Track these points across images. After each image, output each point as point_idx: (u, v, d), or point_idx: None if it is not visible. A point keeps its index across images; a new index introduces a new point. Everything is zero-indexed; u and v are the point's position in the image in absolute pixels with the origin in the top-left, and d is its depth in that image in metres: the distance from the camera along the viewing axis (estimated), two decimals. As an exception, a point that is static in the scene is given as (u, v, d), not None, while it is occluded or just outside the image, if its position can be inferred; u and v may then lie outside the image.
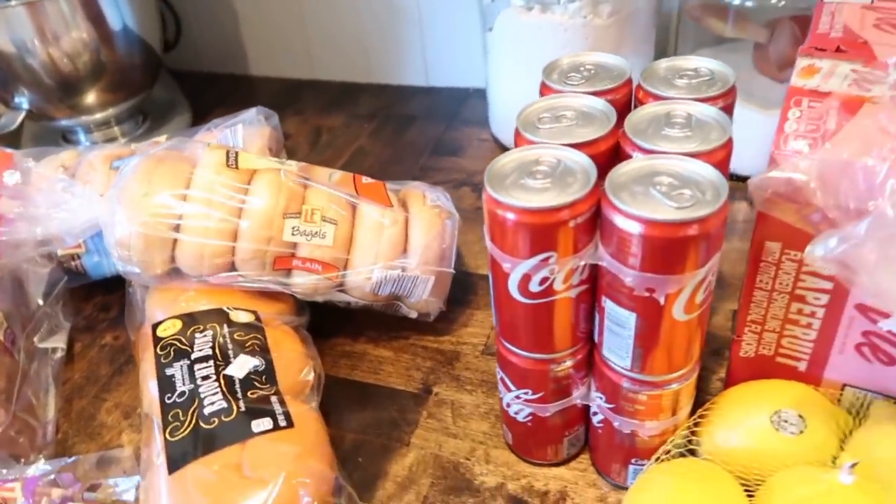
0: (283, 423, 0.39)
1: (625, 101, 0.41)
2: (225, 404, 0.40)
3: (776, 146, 0.35)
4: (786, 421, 0.39)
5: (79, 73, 0.77)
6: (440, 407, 0.50)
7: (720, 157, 0.35)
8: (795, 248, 0.37)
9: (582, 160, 0.34)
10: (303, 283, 0.50)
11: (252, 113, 0.63)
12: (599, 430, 0.42)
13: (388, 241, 0.50)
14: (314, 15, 0.94)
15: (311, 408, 0.43)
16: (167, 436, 0.39)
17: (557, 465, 0.45)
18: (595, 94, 0.40)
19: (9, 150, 0.55)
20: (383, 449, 0.47)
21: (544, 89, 0.42)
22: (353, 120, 0.88)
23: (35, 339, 0.55)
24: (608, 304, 0.35)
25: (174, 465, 0.38)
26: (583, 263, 0.35)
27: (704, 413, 0.41)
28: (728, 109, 0.40)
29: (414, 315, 0.53)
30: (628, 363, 0.37)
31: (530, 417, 0.42)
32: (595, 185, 0.33)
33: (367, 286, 0.50)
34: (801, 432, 0.38)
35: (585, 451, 0.46)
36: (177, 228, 0.48)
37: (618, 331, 0.36)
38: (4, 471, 0.43)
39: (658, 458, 0.39)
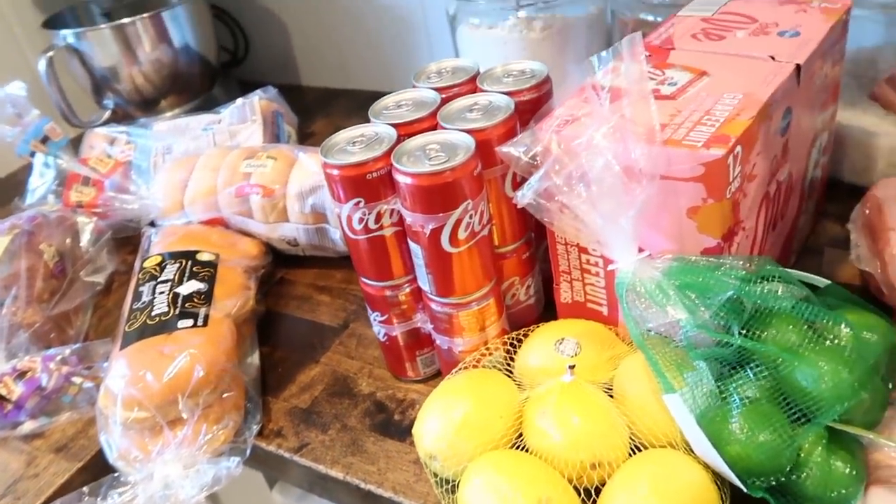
0: (200, 324, 0.55)
1: (469, 94, 0.53)
2: (166, 309, 0.56)
3: (539, 125, 0.46)
4: (565, 346, 0.49)
5: (151, 81, 0.98)
6: (350, 338, 0.63)
7: (500, 132, 0.47)
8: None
9: (390, 133, 0.47)
10: (255, 202, 0.68)
11: (259, 92, 0.89)
12: (435, 350, 0.54)
13: (315, 175, 0.66)
14: (345, 35, 1.11)
15: (228, 319, 0.57)
16: (125, 328, 0.55)
17: (419, 381, 0.57)
18: (441, 89, 0.52)
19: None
20: (298, 364, 0.62)
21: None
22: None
23: (82, 273, 0.75)
24: (409, 240, 0.47)
25: (124, 344, 0.54)
26: (387, 208, 0.47)
27: (520, 340, 0.52)
28: (542, 99, 0.51)
29: (342, 246, 0.68)
30: (428, 287, 0.48)
31: (386, 337, 0.54)
32: (388, 151, 0.45)
33: (297, 205, 0.66)
34: (576, 355, 0.48)
35: (444, 374, 0.57)
36: (185, 186, 0.72)
37: (417, 261, 0.48)
38: (35, 351, 0.62)
39: (465, 367, 0.50)
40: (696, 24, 0.55)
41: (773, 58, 0.48)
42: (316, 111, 1.11)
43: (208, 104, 1.09)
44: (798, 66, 0.47)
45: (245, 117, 0.85)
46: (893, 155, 0.64)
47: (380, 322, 0.53)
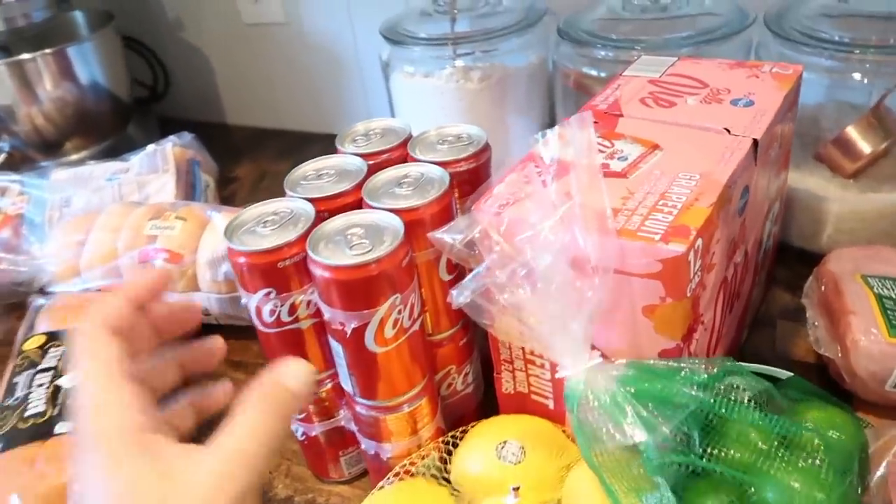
0: (83, 425, 0.47)
1: (400, 160, 0.47)
2: (42, 409, 0.48)
3: (477, 206, 0.40)
4: (507, 451, 0.43)
5: (52, 121, 0.89)
6: (267, 426, 0.56)
7: (434, 210, 0.41)
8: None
9: (307, 211, 0.41)
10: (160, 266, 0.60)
11: (173, 137, 0.82)
12: (361, 452, 0.47)
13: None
14: (275, 71, 1.04)
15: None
16: (-8, 430, 0.47)
17: (344, 483, 0.50)
18: (368, 155, 0.46)
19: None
20: (206, 459, 0.54)
21: (337, 151, 0.49)
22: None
23: (-45, 347, 0.65)
24: (329, 336, 0.41)
25: (-13, 454, 0.45)
26: (303, 298, 0.41)
27: (457, 441, 0.46)
28: (480, 169, 0.46)
29: None
30: (351, 389, 0.42)
31: (304, 437, 0.48)
32: (303, 234, 0.39)
33: (209, 273, 0.59)
34: (520, 462, 0.42)
35: (373, 473, 0.50)
36: (82, 247, 0.64)
37: (338, 360, 0.41)
38: None
39: (396, 475, 0.44)
40: (643, 87, 0.51)
41: (728, 130, 0.44)
42: (242, 153, 1.03)
43: (122, 144, 1.00)
44: (755, 141, 0.43)
45: (156, 166, 0.77)
46: (841, 221, 0.62)
47: (298, 420, 0.47)
